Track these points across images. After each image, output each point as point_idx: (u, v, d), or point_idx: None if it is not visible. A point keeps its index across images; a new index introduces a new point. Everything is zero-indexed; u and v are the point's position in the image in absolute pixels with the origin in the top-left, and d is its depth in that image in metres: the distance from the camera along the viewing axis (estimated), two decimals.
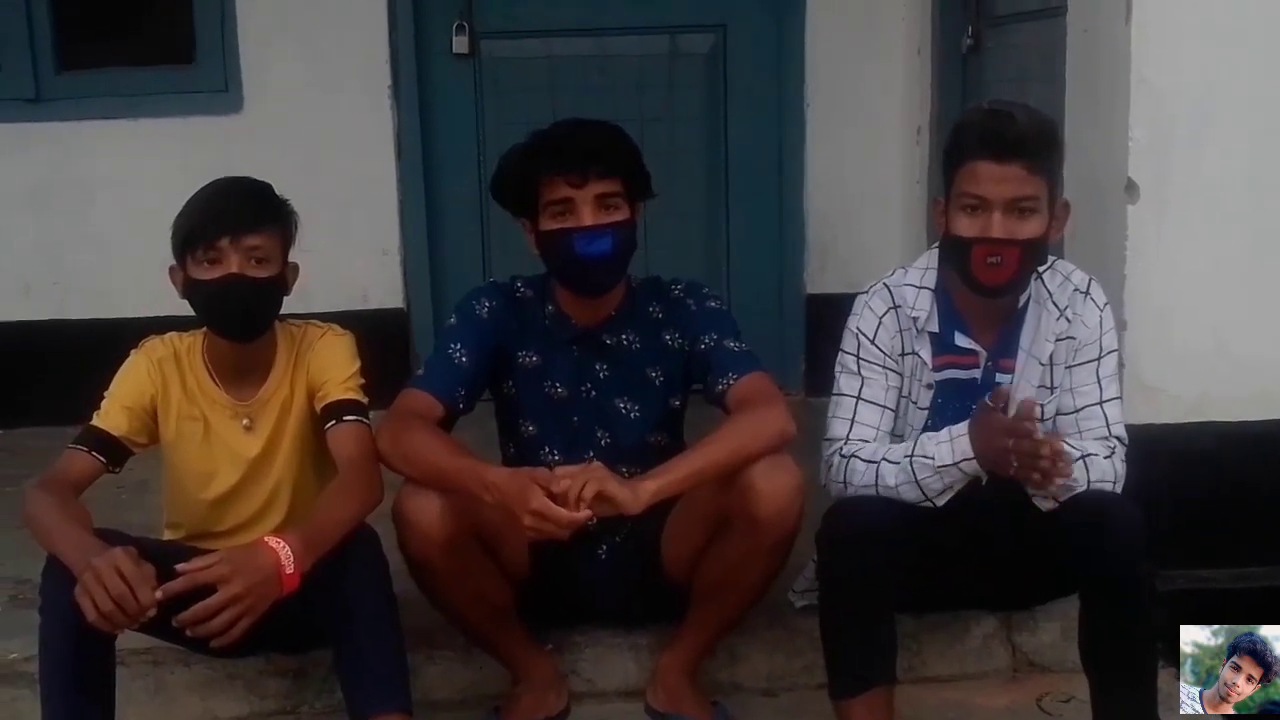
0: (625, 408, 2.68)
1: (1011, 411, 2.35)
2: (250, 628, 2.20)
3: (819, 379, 4.38)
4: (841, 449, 2.56)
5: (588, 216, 2.52)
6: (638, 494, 2.31)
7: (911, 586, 2.49)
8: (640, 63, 4.53)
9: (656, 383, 2.69)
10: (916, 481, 2.45)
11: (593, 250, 2.53)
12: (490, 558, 2.57)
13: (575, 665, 2.81)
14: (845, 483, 2.53)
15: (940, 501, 2.46)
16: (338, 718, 2.64)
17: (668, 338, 2.68)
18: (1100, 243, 2.91)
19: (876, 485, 2.49)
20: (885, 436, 2.58)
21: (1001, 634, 2.88)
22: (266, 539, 2.25)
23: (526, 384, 2.69)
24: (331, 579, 2.30)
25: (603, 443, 2.67)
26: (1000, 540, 2.54)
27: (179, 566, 2.19)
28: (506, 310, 2.68)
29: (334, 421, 2.51)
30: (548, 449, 2.68)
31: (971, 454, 2.39)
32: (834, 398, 2.63)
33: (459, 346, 2.61)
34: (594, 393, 2.68)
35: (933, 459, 2.43)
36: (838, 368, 2.63)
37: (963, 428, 2.42)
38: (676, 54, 4.59)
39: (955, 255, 2.49)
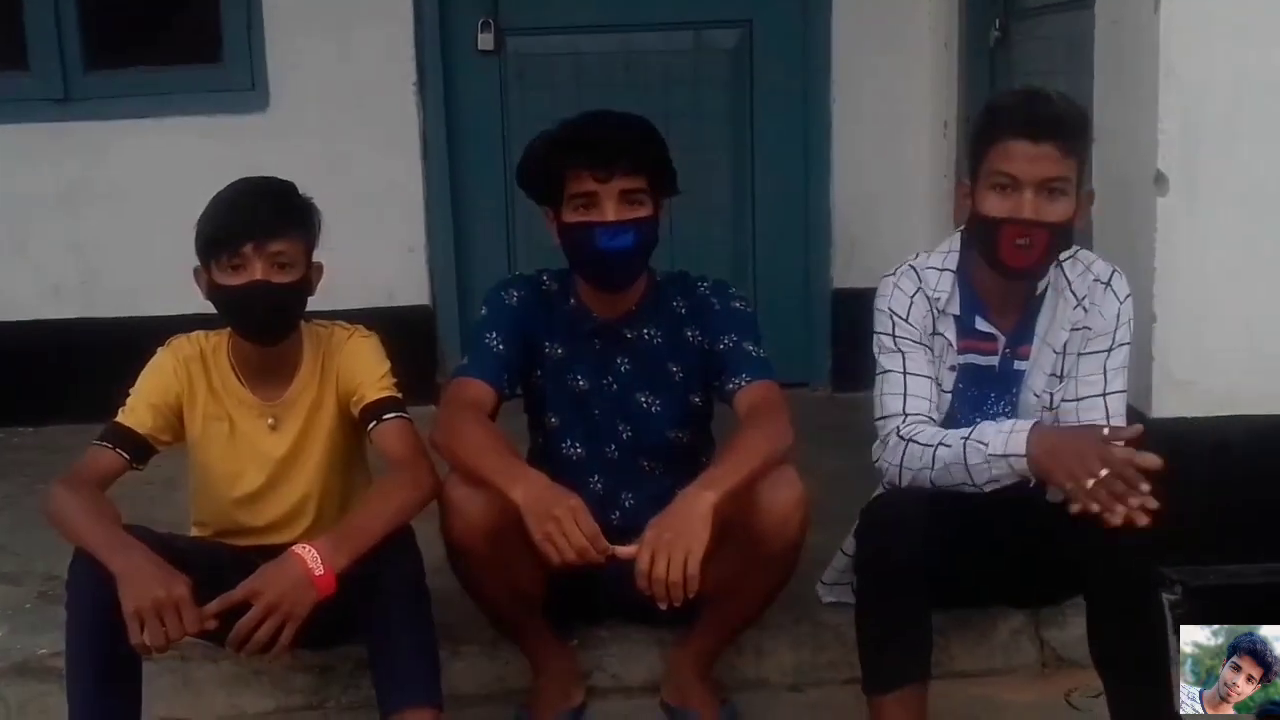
0: (646, 402, 2.68)
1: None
2: (298, 632, 2.23)
3: (846, 374, 4.38)
4: (900, 428, 2.51)
5: (610, 211, 2.52)
6: (701, 512, 2.26)
7: (939, 583, 2.47)
8: (666, 59, 4.54)
9: (677, 378, 2.68)
10: (965, 465, 2.40)
11: (614, 245, 2.53)
12: (528, 549, 2.57)
13: (601, 661, 2.80)
14: (901, 466, 2.48)
15: (988, 489, 2.41)
16: (364, 713, 2.65)
17: (689, 333, 2.67)
18: (1129, 235, 2.89)
19: (932, 467, 2.44)
20: (936, 409, 2.55)
21: (1030, 629, 2.86)
22: (294, 547, 2.27)
23: (551, 376, 2.69)
24: (366, 573, 2.31)
25: (624, 436, 2.69)
26: (1016, 537, 2.50)
27: (208, 608, 2.22)
28: (534, 301, 2.68)
29: (375, 422, 2.52)
30: (569, 441, 2.70)
31: (1023, 451, 2.36)
32: (879, 376, 2.59)
33: (494, 335, 2.63)
34: (615, 386, 2.68)
35: (986, 445, 2.39)
36: (876, 348, 2.60)
37: (1026, 424, 2.40)
38: (702, 50, 4.59)
39: (982, 235, 2.48)
